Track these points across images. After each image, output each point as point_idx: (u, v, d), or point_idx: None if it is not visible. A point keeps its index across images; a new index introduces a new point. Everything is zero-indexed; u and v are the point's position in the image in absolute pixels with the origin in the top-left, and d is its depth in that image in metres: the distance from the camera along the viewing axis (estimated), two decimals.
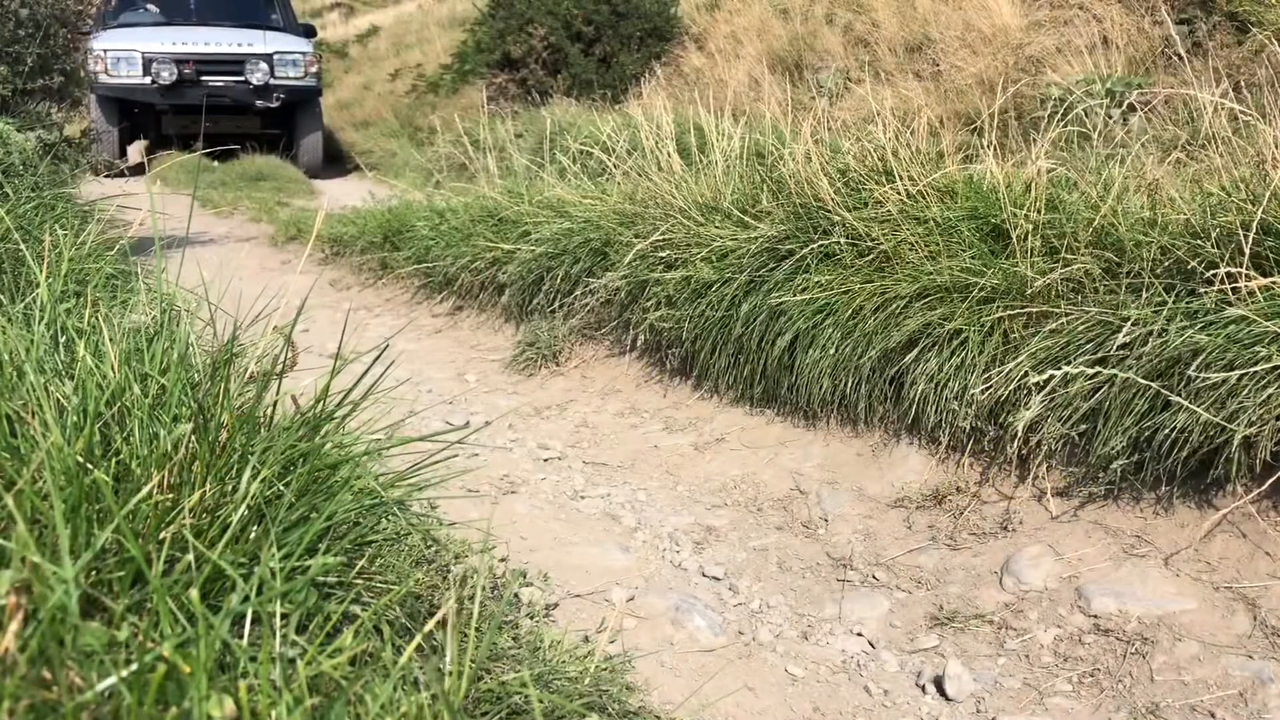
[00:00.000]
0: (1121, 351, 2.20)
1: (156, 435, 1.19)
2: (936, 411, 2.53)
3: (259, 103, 12.07)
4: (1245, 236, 2.12)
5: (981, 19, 6.79)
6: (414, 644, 0.97)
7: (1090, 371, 2.14)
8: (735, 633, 2.04)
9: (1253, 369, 1.93)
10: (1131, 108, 4.72)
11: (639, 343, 3.59)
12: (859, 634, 2.05)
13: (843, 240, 2.94)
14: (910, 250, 2.80)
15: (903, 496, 2.50)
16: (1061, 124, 3.04)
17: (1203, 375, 2.00)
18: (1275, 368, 1.93)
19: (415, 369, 3.97)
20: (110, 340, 1.31)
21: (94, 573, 0.98)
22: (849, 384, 2.75)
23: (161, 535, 1.06)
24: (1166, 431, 2.05)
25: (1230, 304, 2.09)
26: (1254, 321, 1.99)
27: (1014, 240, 2.62)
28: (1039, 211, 2.61)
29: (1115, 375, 2.15)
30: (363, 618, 1.08)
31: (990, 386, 2.40)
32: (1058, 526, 2.20)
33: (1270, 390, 1.92)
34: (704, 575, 2.28)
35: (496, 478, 2.76)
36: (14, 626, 0.77)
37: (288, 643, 0.94)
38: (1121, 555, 2.07)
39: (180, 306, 1.53)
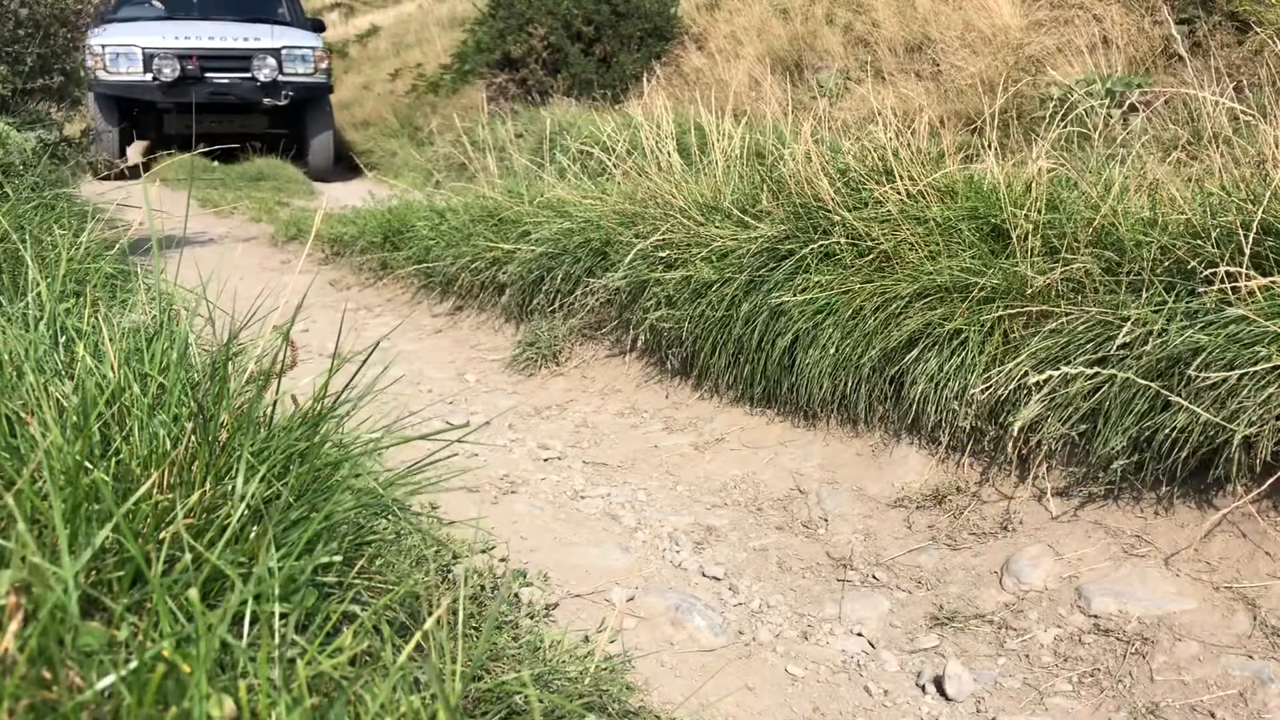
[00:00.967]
0: (1121, 351, 2.20)
1: (156, 435, 1.19)
2: (936, 411, 2.53)
3: (266, 100, 11.39)
4: (1245, 236, 2.12)
5: (981, 19, 6.79)
6: (413, 644, 0.97)
7: (1090, 371, 2.14)
8: (735, 633, 2.04)
9: (1253, 369, 1.93)
10: (1132, 108, 4.72)
11: (639, 343, 3.59)
12: (859, 634, 2.05)
13: (843, 240, 2.94)
14: (910, 250, 2.80)
15: (903, 496, 2.50)
16: (1061, 124, 3.04)
17: (1203, 375, 2.00)
18: (1275, 368, 1.93)
19: (415, 369, 3.97)
20: (110, 340, 1.31)
21: (93, 573, 0.98)
22: (849, 384, 2.75)
23: (161, 535, 1.06)
24: (1166, 431, 2.05)
25: (1230, 304, 2.09)
26: (1254, 321, 1.99)
27: (1014, 240, 2.62)
28: (1039, 211, 2.61)
29: (1115, 375, 2.15)
30: (362, 618, 1.08)
31: (990, 386, 2.40)
32: (1058, 526, 2.20)
33: (1270, 390, 1.92)
34: (704, 575, 2.28)
35: (496, 477, 2.76)
36: (14, 626, 0.77)
37: (287, 642, 0.94)
38: (1121, 555, 2.07)
39: (180, 306, 1.53)
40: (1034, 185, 2.67)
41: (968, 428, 2.47)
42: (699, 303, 3.23)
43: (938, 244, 2.77)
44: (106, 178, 7.97)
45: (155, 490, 1.10)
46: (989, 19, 6.74)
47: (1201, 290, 2.19)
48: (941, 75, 6.78)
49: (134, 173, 9.06)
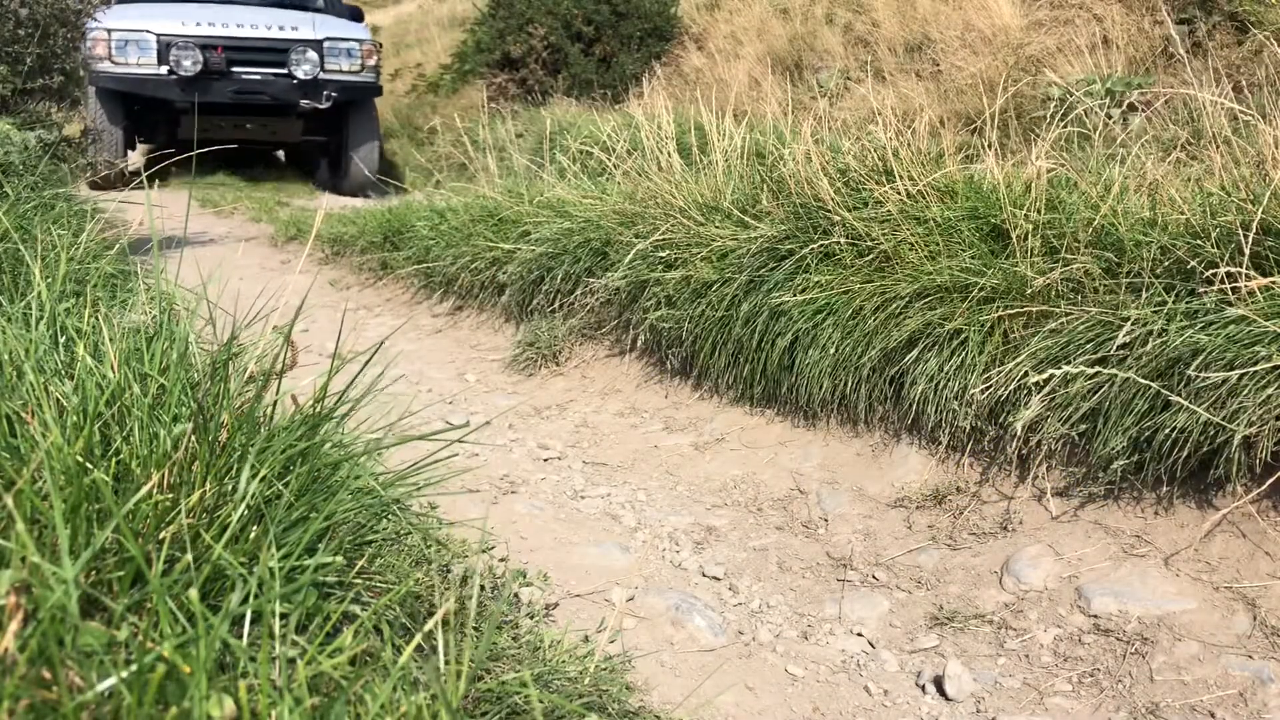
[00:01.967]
0: (1121, 351, 2.20)
1: (156, 435, 1.19)
2: (936, 411, 2.53)
3: (305, 103, 9.43)
4: (1245, 236, 2.12)
5: (981, 19, 6.79)
6: (414, 644, 0.97)
7: (1090, 371, 2.14)
8: (735, 632, 2.04)
9: (1253, 369, 1.93)
10: (1131, 108, 4.72)
11: (639, 343, 3.59)
12: (859, 634, 2.05)
13: (843, 240, 2.94)
14: (910, 250, 2.80)
15: (903, 496, 2.50)
16: (1061, 124, 3.04)
17: (1203, 375, 2.00)
18: (1275, 368, 1.93)
19: (415, 369, 3.97)
20: (110, 340, 1.31)
21: (94, 573, 0.98)
22: (849, 384, 2.75)
23: (161, 535, 1.06)
24: (1166, 431, 2.05)
25: (1230, 304, 2.09)
26: (1254, 321, 1.99)
27: (1014, 240, 2.62)
28: (1039, 211, 2.61)
29: (1115, 375, 2.15)
30: (363, 618, 1.08)
31: (990, 386, 2.40)
32: (1058, 526, 2.20)
33: (1270, 390, 1.92)
34: (704, 575, 2.28)
35: (496, 477, 2.76)
36: (14, 626, 0.77)
37: (288, 643, 0.94)
38: (1121, 555, 2.07)
39: (180, 306, 1.53)
40: (1034, 185, 2.67)
41: (968, 428, 2.47)
42: (699, 303, 3.23)
43: (938, 244, 2.77)
44: (98, 185, 7.12)
45: (155, 490, 1.10)
46: (989, 19, 6.74)
47: (1201, 290, 2.19)
48: (941, 75, 6.78)
49: (139, 180, 7.79)
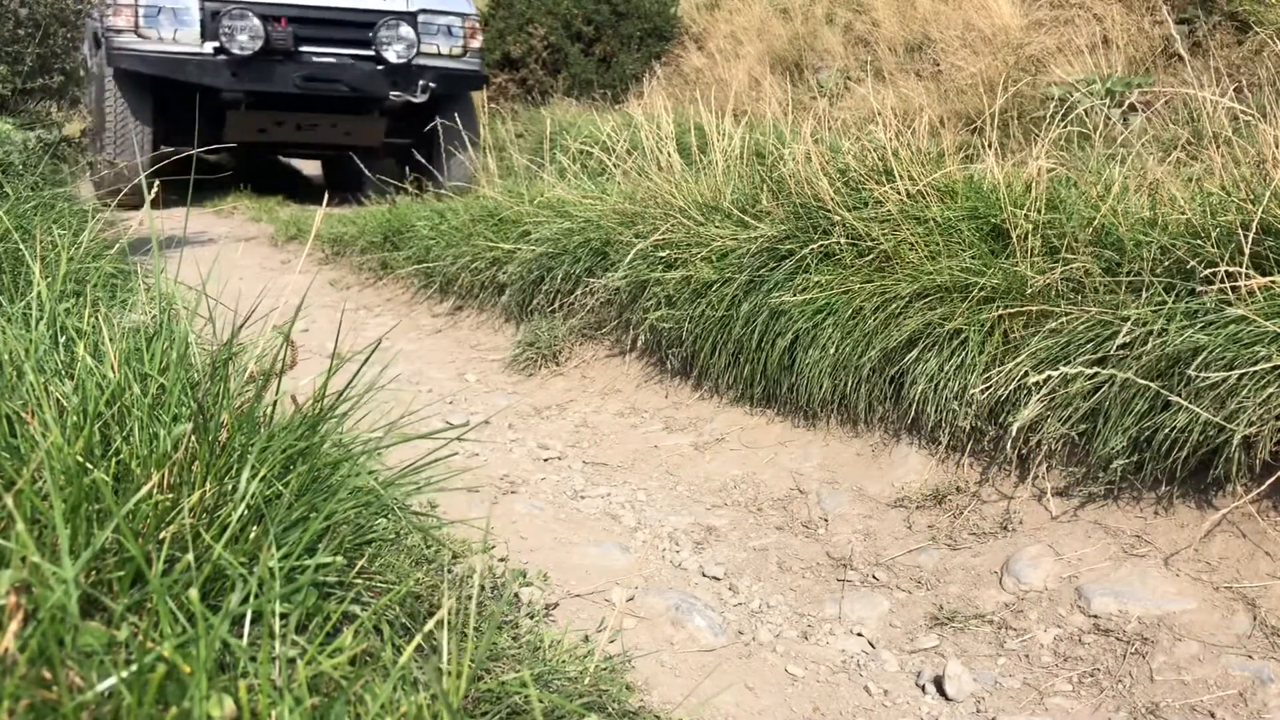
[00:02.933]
0: (1121, 351, 2.20)
1: (156, 435, 1.19)
2: (936, 411, 2.53)
3: (395, 94, 7.18)
4: (1245, 236, 2.12)
5: (981, 19, 6.79)
6: (414, 644, 0.97)
7: (1090, 371, 2.14)
8: (735, 632, 2.04)
9: (1253, 369, 1.93)
10: (1132, 108, 4.72)
11: (639, 343, 3.59)
12: (859, 634, 2.05)
13: (843, 240, 2.94)
14: (910, 250, 2.80)
15: (903, 496, 2.50)
16: (1062, 124, 3.04)
17: (1203, 375, 2.00)
18: (1275, 368, 1.93)
19: (415, 368, 3.97)
20: (110, 340, 1.31)
21: (94, 573, 0.98)
22: (849, 384, 2.75)
23: (161, 535, 1.06)
24: (1166, 431, 2.05)
25: (1230, 304, 2.09)
26: (1254, 321, 1.99)
27: (1014, 240, 2.62)
28: (1039, 211, 2.61)
29: (1115, 375, 2.14)
30: (363, 618, 1.08)
31: (990, 386, 2.40)
32: (1058, 526, 2.20)
33: (1270, 390, 1.92)
34: (704, 575, 2.28)
35: (496, 477, 2.76)
36: (14, 626, 0.77)
37: (288, 643, 0.94)
38: (1121, 555, 2.07)
39: (180, 306, 1.53)
40: (1034, 185, 2.67)
41: (968, 428, 2.47)
42: (699, 303, 3.23)
43: (938, 244, 2.77)
44: (119, 201, 5.13)
45: (155, 490, 1.10)
46: (989, 19, 6.74)
47: (1201, 290, 2.19)
48: (941, 75, 6.78)
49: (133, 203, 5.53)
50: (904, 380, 2.64)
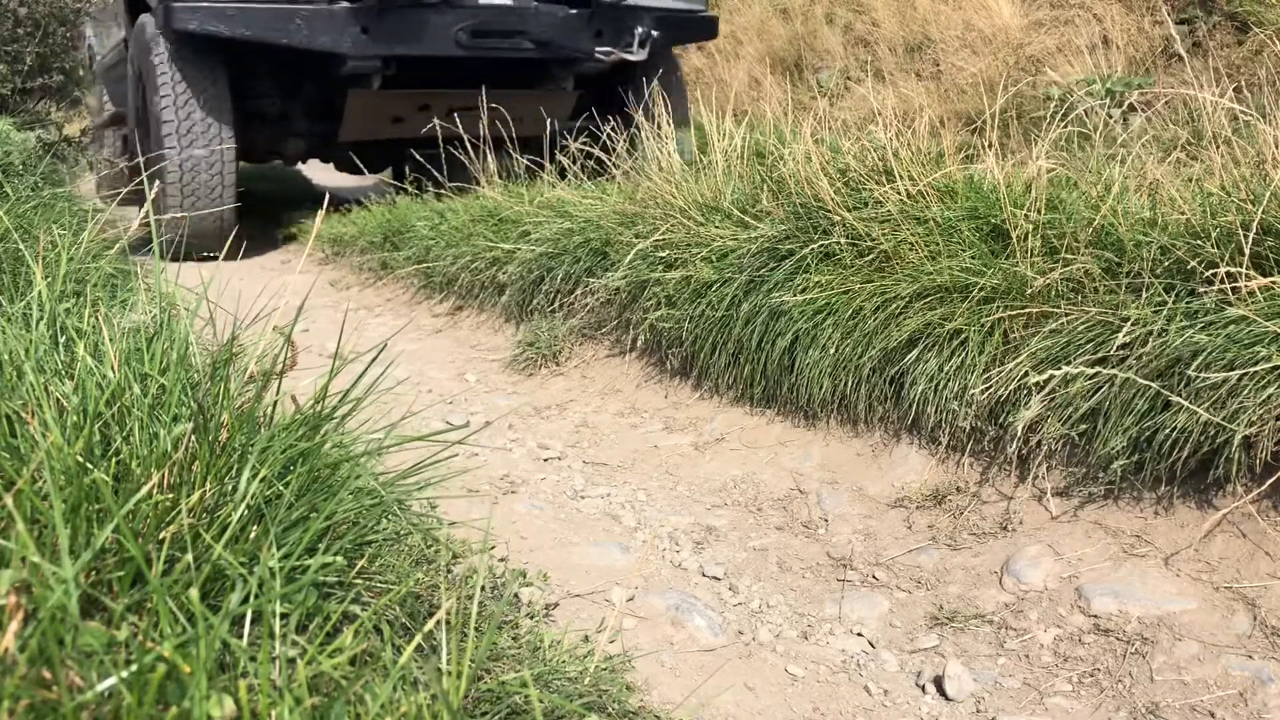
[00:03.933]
0: (1121, 351, 2.20)
1: (156, 435, 1.19)
2: (936, 411, 2.53)
3: (602, 50, 5.01)
4: (1245, 236, 2.12)
5: (982, 19, 6.79)
6: (414, 644, 0.97)
7: (1090, 371, 2.14)
8: (735, 632, 2.04)
9: (1253, 369, 1.93)
10: (1131, 108, 4.72)
11: (639, 343, 3.59)
12: (859, 634, 2.05)
13: (843, 240, 2.94)
14: (910, 250, 2.80)
15: (903, 496, 2.50)
16: (1061, 124, 3.03)
17: (1203, 375, 2.00)
18: (1275, 368, 1.93)
19: (415, 369, 3.97)
20: (110, 340, 1.31)
21: (94, 573, 0.98)
22: (849, 384, 2.75)
23: (161, 535, 1.06)
24: (1166, 431, 2.05)
25: (1230, 304, 2.09)
26: (1254, 321, 1.99)
27: (1014, 240, 2.62)
28: (1039, 211, 2.61)
29: (1115, 375, 2.14)
30: (363, 618, 1.08)
31: (990, 386, 2.40)
32: (1058, 526, 2.20)
33: (1270, 390, 1.92)
34: (704, 575, 2.28)
35: (496, 477, 2.76)
36: (14, 626, 0.77)
37: (288, 643, 0.94)
38: (1121, 555, 2.07)
39: (180, 306, 1.53)
40: (1034, 185, 2.67)
41: (968, 428, 2.47)
42: (699, 303, 3.23)
43: (938, 244, 2.77)
44: (192, 252, 3.72)
45: (155, 490, 1.10)
46: (989, 19, 6.74)
47: (1201, 290, 2.19)
48: (941, 75, 6.78)
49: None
50: (904, 380, 2.64)
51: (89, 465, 1.09)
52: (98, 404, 1.19)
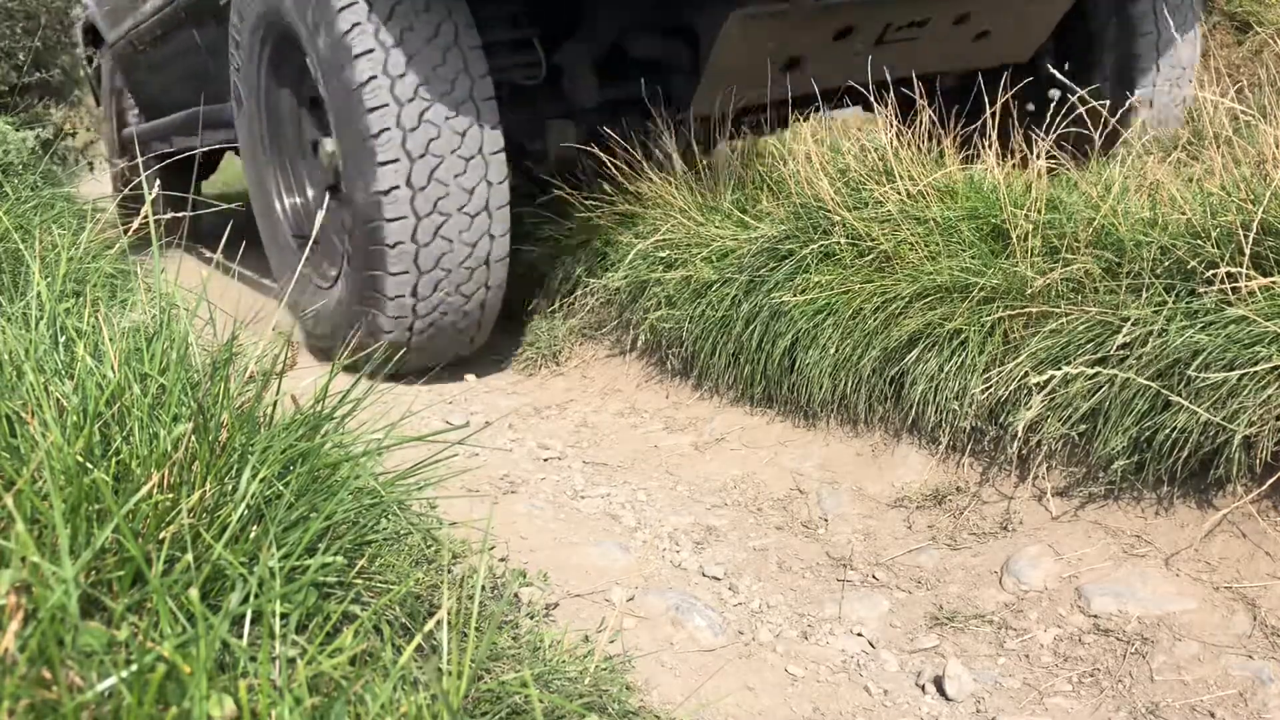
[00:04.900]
0: (1122, 352, 2.20)
1: (156, 435, 1.19)
2: (936, 412, 2.53)
3: None
4: (1245, 236, 2.12)
5: None
6: (414, 644, 0.97)
7: (1090, 372, 2.14)
8: (735, 633, 2.04)
9: (1253, 369, 1.93)
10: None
11: (639, 343, 3.59)
12: (859, 634, 2.05)
13: (843, 240, 2.94)
14: (910, 250, 2.80)
15: (903, 496, 2.50)
16: (1062, 124, 3.03)
17: (1203, 375, 2.00)
18: (1275, 368, 1.93)
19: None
20: (110, 340, 1.31)
21: (94, 573, 0.98)
22: (849, 384, 2.75)
23: (161, 535, 1.06)
24: (1167, 431, 2.05)
25: (1230, 304, 2.09)
26: (1254, 321, 1.99)
27: (1014, 240, 2.62)
28: (1039, 212, 2.61)
29: (1115, 375, 2.14)
30: (363, 618, 1.08)
31: (990, 387, 2.40)
32: (1058, 526, 2.20)
33: (1270, 390, 1.92)
34: (704, 575, 2.28)
35: (497, 477, 2.76)
36: (14, 626, 0.77)
37: (288, 643, 0.94)
38: (1121, 555, 2.07)
39: (180, 306, 1.53)
40: (1034, 185, 2.67)
41: (968, 428, 2.47)
42: (699, 303, 3.23)
43: (938, 244, 2.77)
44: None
45: (155, 490, 1.10)
46: None
47: (1201, 290, 2.19)
48: None
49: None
50: (904, 380, 2.64)
51: (89, 465, 1.09)
52: (98, 404, 1.19)
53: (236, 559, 1.05)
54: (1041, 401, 2.26)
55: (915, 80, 3.10)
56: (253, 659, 0.89)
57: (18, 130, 4.47)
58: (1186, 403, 1.99)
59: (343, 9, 2.81)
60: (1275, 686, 1.69)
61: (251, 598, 0.95)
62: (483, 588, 1.82)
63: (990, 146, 2.74)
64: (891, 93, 2.90)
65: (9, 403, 1.19)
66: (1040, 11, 3.31)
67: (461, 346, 3.46)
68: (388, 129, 2.81)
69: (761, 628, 2.06)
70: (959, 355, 2.52)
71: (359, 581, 1.25)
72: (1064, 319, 2.36)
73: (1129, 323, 2.19)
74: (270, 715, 0.84)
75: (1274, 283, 2.04)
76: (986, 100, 2.79)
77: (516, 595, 1.95)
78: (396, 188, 2.87)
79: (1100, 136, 2.69)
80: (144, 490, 1.06)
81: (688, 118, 3.45)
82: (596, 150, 3.41)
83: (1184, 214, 2.37)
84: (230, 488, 1.15)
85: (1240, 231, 2.14)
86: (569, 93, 3.57)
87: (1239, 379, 1.95)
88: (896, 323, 2.67)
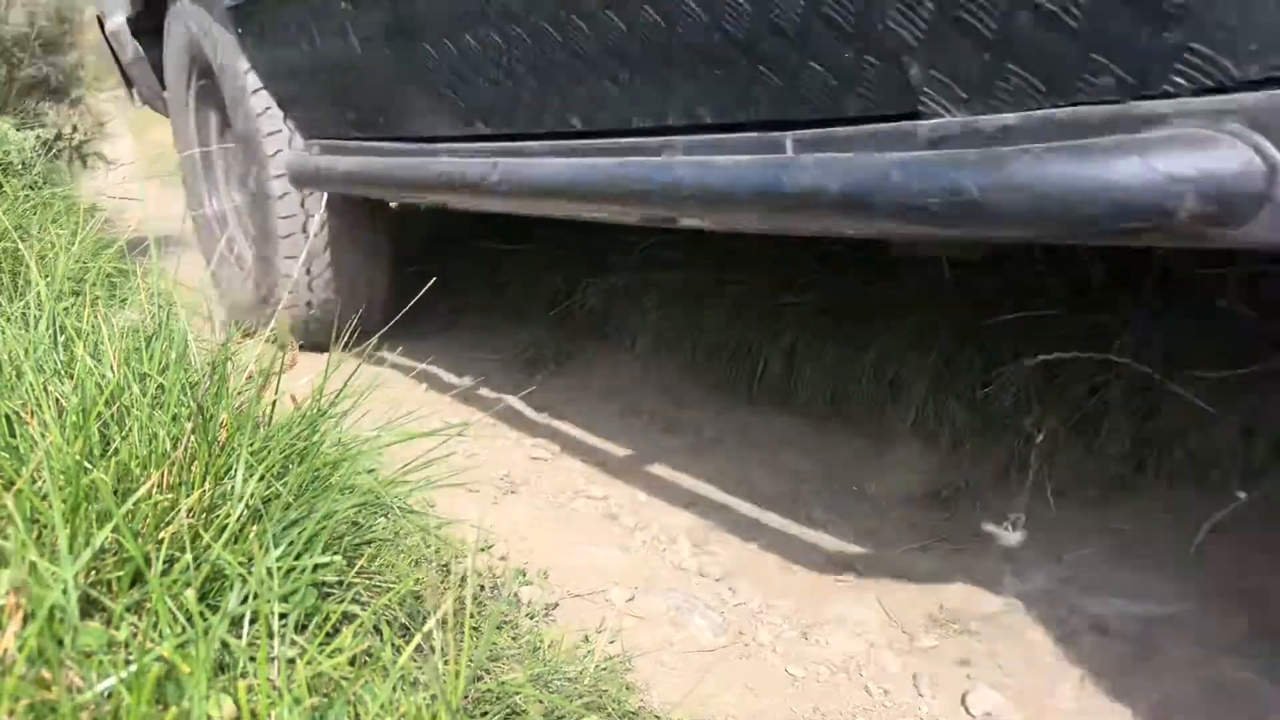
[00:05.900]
0: (1122, 352, 2.20)
1: (156, 435, 1.19)
2: (937, 411, 2.53)
3: None
4: None
5: None
6: (414, 644, 0.97)
7: (1091, 371, 2.14)
8: (735, 633, 2.04)
9: (1253, 368, 1.93)
10: None
11: (639, 343, 3.59)
12: (859, 634, 2.04)
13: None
14: (911, 249, 2.79)
15: (903, 496, 2.50)
16: None
17: (1203, 375, 2.00)
18: (1275, 368, 1.93)
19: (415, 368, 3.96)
20: (109, 339, 1.31)
21: (93, 573, 0.98)
22: (849, 383, 2.75)
23: (160, 535, 1.06)
24: (1167, 431, 2.05)
25: (1230, 304, 2.09)
26: (1254, 320, 1.99)
27: None
28: None
29: (1115, 375, 2.15)
30: (362, 618, 1.08)
31: (991, 386, 2.40)
32: (1058, 526, 2.20)
33: (1270, 390, 1.92)
34: (704, 575, 2.28)
35: (496, 477, 2.76)
36: (13, 626, 0.77)
37: (287, 643, 0.94)
38: (1122, 555, 2.07)
39: (179, 305, 1.52)
40: None
41: (968, 427, 2.47)
42: (700, 303, 3.23)
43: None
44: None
45: (155, 490, 1.10)
46: None
47: (1202, 290, 2.19)
48: None
49: None
50: (904, 380, 2.64)
51: (88, 465, 1.09)
52: (97, 404, 1.19)
53: (235, 559, 1.05)
54: (1042, 401, 2.26)
55: None
56: (252, 659, 0.89)
57: (18, 130, 4.47)
58: (1187, 400, 1.99)
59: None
60: (1274, 688, 1.69)
61: (250, 598, 0.95)
62: (482, 587, 1.82)
63: None
64: None
65: (8, 402, 1.19)
66: None
67: None
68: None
69: (761, 628, 2.06)
70: (960, 354, 2.52)
71: (358, 581, 1.25)
72: (1065, 318, 2.36)
73: (1129, 323, 2.19)
74: (270, 715, 0.83)
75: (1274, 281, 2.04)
76: None
77: (516, 595, 1.95)
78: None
79: None
80: (143, 490, 1.06)
81: None
82: None
83: None
84: (229, 487, 1.15)
85: None
86: None
87: (1239, 378, 1.95)
88: (897, 321, 2.67)
